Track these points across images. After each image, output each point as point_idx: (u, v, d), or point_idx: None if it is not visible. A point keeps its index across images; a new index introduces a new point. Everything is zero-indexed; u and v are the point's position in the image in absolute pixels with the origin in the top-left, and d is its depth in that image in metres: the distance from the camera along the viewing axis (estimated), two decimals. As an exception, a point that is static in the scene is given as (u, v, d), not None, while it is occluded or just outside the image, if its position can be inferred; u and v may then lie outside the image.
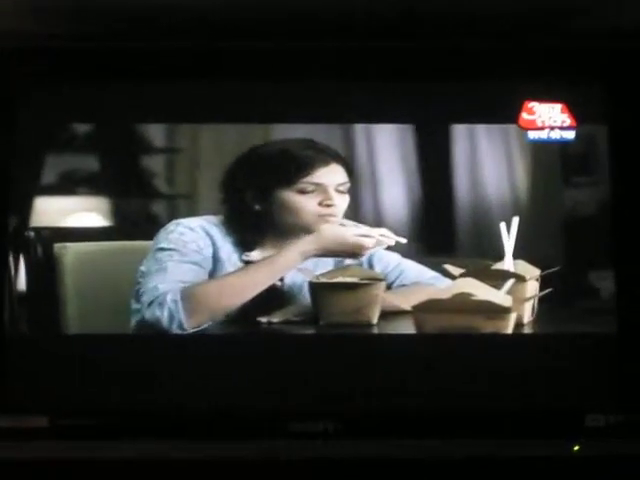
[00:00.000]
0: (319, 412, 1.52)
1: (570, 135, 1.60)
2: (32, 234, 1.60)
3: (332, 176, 1.57)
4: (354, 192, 1.65)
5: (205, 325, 1.52)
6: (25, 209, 1.60)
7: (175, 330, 1.50)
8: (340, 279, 1.53)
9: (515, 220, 1.55)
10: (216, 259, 1.56)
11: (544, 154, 1.65)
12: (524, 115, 1.60)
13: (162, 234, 1.56)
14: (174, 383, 1.53)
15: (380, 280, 1.54)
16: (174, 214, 1.63)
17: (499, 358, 1.53)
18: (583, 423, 1.52)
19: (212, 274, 1.56)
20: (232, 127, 1.62)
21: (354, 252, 1.53)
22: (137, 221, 1.61)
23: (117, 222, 1.63)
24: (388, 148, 1.68)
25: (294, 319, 1.58)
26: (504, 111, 1.61)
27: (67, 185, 1.62)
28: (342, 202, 1.58)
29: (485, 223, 1.63)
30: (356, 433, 1.51)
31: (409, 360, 1.54)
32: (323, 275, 1.55)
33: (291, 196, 1.55)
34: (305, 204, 1.55)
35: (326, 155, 1.57)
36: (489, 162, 1.67)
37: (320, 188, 1.55)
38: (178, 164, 1.66)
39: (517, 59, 1.60)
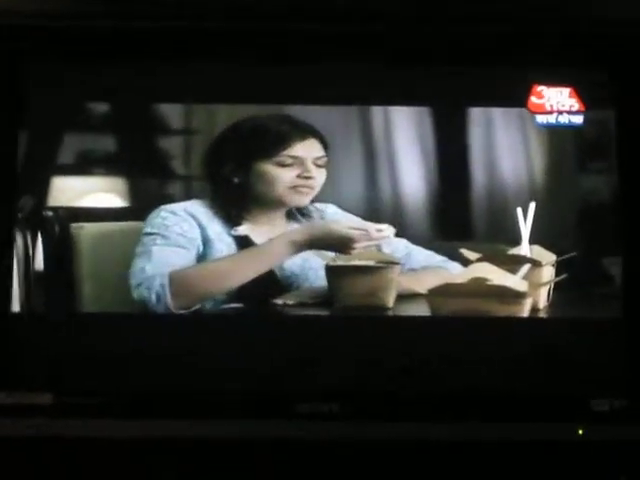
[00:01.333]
0: (326, 393, 1.53)
1: (578, 119, 1.60)
2: (49, 213, 1.60)
3: (309, 150, 1.58)
4: (370, 175, 1.66)
5: (192, 308, 1.53)
6: (42, 189, 1.61)
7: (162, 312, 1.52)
8: (356, 262, 1.53)
9: (532, 205, 1.56)
10: (206, 239, 1.57)
11: (560, 139, 1.64)
12: (533, 99, 1.60)
13: (147, 219, 1.58)
14: (180, 363, 1.54)
15: (396, 264, 1.55)
16: (189, 194, 1.63)
17: (504, 342, 1.54)
18: (588, 407, 1.53)
19: (203, 255, 1.57)
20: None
21: (344, 245, 1.53)
22: (153, 202, 1.60)
23: (133, 202, 1.64)
24: (401, 131, 1.68)
25: (309, 301, 1.58)
26: (513, 95, 1.61)
27: (84, 165, 1.62)
28: (320, 175, 1.59)
29: (501, 208, 1.63)
30: (363, 415, 1.52)
31: (414, 343, 1.54)
32: (339, 258, 1.55)
33: (269, 168, 1.57)
34: (283, 176, 1.57)
35: (303, 130, 1.58)
36: (505, 147, 1.66)
37: (298, 161, 1.57)
38: (194, 145, 1.66)
39: (526, 43, 1.60)
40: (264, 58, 1.60)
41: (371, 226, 1.54)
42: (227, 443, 1.53)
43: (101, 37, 1.59)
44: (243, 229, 1.59)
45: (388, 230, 1.53)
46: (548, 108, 1.60)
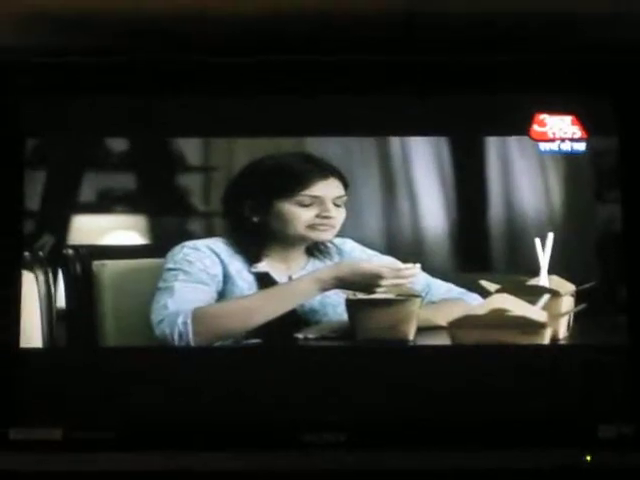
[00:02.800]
0: (331, 423, 1.54)
1: (581, 147, 1.62)
2: (71, 251, 1.61)
3: (330, 189, 1.59)
4: (388, 208, 1.68)
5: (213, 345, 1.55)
6: (63, 227, 1.62)
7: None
8: (377, 295, 1.54)
9: (550, 236, 1.57)
10: (226, 276, 1.58)
11: (576, 168, 1.66)
12: (535, 127, 1.62)
13: (169, 256, 1.58)
14: (188, 396, 1.55)
15: (416, 296, 1.55)
16: (210, 231, 1.65)
17: (511, 369, 1.55)
18: (596, 434, 1.53)
19: (223, 291, 1.58)
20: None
21: (371, 283, 1.53)
22: (173, 239, 1.61)
23: (154, 240, 1.65)
24: (416, 161, 1.70)
25: (331, 335, 1.59)
26: (516, 123, 1.63)
27: (104, 203, 1.63)
28: (339, 214, 1.60)
29: (520, 239, 1.64)
30: (368, 444, 1.53)
31: (423, 372, 1.56)
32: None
33: (289, 208, 1.57)
34: (303, 215, 1.57)
35: (324, 169, 1.59)
36: (521, 177, 1.68)
37: (318, 200, 1.57)
38: (214, 181, 1.67)
39: (528, 72, 1.62)
40: (283, 91, 1.62)
41: (400, 265, 1.55)
42: (238, 475, 1.53)
43: (119, 72, 1.62)
44: (263, 266, 1.60)
45: (416, 268, 1.54)
46: (550, 136, 1.62)
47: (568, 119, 1.62)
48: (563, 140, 1.62)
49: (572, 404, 1.54)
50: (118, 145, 1.65)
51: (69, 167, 1.65)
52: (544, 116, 1.62)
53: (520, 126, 1.63)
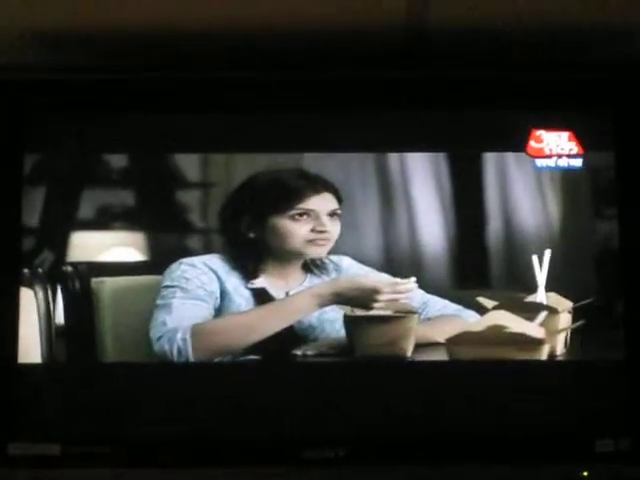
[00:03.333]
0: (330, 438, 1.54)
1: (577, 163, 1.62)
2: (69, 268, 1.62)
3: (323, 203, 1.60)
4: (386, 225, 1.68)
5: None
6: (61, 244, 1.62)
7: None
8: (375, 312, 1.54)
9: (547, 252, 1.57)
10: (223, 292, 1.59)
11: (573, 185, 1.66)
12: (532, 143, 1.62)
13: (166, 273, 1.59)
14: (185, 410, 1.54)
15: (414, 313, 1.56)
16: (207, 248, 1.65)
17: (508, 384, 1.55)
18: (593, 448, 1.53)
19: (220, 308, 1.59)
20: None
21: (370, 299, 1.54)
22: (171, 255, 1.61)
23: (152, 256, 1.65)
24: (414, 177, 1.70)
25: (329, 352, 1.59)
26: (513, 139, 1.63)
27: (102, 220, 1.64)
28: (334, 228, 1.61)
29: (517, 256, 1.65)
30: (367, 459, 1.53)
31: (420, 387, 1.55)
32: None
33: (283, 222, 1.58)
34: (297, 230, 1.58)
35: (317, 184, 1.60)
36: (519, 193, 1.68)
37: (313, 214, 1.58)
38: (211, 198, 1.68)
39: (525, 88, 1.62)
40: (280, 107, 1.62)
41: (397, 280, 1.56)
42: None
43: (119, 90, 1.62)
44: (260, 282, 1.61)
45: (412, 284, 1.54)
46: (547, 152, 1.62)
47: (565, 135, 1.62)
48: (560, 156, 1.62)
49: (569, 419, 1.54)
50: (117, 162, 1.66)
51: (68, 184, 1.65)
52: (541, 132, 1.62)
53: (517, 142, 1.63)
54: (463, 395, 1.55)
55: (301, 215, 1.58)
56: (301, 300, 1.55)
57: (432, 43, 1.60)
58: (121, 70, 1.62)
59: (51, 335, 1.60)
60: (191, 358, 1.52)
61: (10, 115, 1.61)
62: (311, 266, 1.65)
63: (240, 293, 1.59)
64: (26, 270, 1.59)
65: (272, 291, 1.61)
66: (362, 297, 1.54)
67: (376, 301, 1.53)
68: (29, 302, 1.59)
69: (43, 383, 1.56)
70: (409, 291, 1.54)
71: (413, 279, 1.55)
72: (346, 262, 1.66)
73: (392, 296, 1.54)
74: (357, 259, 1.66)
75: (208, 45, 1.57)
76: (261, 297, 1.60)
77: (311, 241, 1.59)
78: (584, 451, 1.53)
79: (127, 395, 1.55)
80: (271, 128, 1.63)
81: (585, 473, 1.52)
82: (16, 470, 1.52)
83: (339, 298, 1.55)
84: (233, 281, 1.60)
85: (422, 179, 1.69)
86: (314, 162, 1.63)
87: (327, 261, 1.65)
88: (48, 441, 1.53)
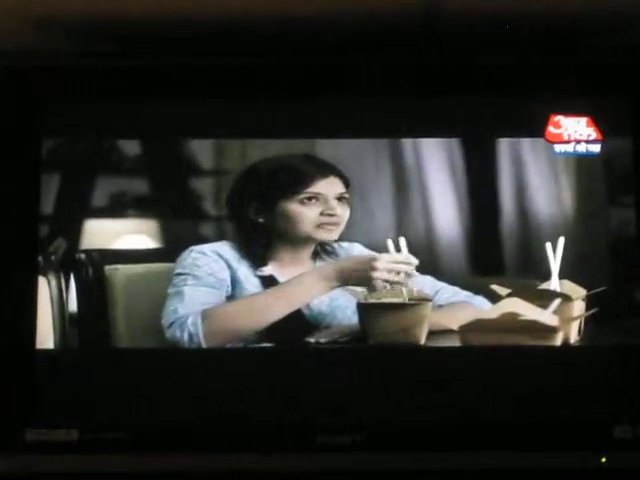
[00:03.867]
0: (345, 425, 1.53)
1: (596, 148, 1.61)
2: (83, 256, 1.63)
3: (331, 187, 1.60)
4: (402, 210, 1.68)
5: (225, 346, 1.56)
6: (75, 231, 1.64)
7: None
8: (388, 299, 1.54)
9: (561, 240, 1.56)
10: (234, 280, 1.59)
11: (589, 171, 1.65)
12: (551, 129, 1.61)
13: (178, 261, 1.59)
14: (201, 396, 1.55)
15: (428, 300, 1.56)
16: (219, 235, 1.65)
17: (527, 371, 1.54)
18: (611, 435, 1.52)
19: (232, 296, 1.59)
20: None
21: (369, 269, 1.53)
22: (184, 243, 1.62)
23: (165, 244, 1.66)
24: (429, 163, 1.69)
25: (342, 339, 1.59)
26: (531, 125, 1.62)
27: (116, 207, 1.64)
28: (344, 212, 1.61)
29: (531, 243, 1.64)
30: (384, 446, 1.53)
31: (438, 373, 1.55)
32: (371, 295, 1.56)
33: (293, 207, 1.58)
34: (307, 214, 1.58)
35: (323, 168, 1.60)
36: (534, 180, 1.67)
37: (321, 198, 1.59)
38: (222, 185, 1.68)
39: (543, 73, 1.61)
40: (294, 93, 1.61)
41: (397, 256, 1.55)
42: (252, 476, 1.53)
43: (128, 75, 1.62)
44: (268, 269, 1.61)
45: (412, 258, 1.54)
46: (566, 138, 1.60)
47: (584, 121, 1.61)
48: (578, 142, 1.61)
49: (587, 406, 1.53)
50: (131, 148, 1.66)
51: (83, 171, 1.66)
52: (559, 117, 1.61)
53: (535, 128, 1.62)
54: (478, 382, 1.54)
55: (310, 199, 1.58)
56: (308, 280, 1.55)
57: (448, 28, 1.58)
58: (138, 56, 1.62)
59: (65, 322, 1.61)
60: (203, 344, 1.52)
61: (26, 102, 1.60)
62: (321, 253, 1.65)
63: (250, 281, 1.60)
64: (40, 257, 1.60)
65: (280, 278, 1.61)
66: (362, 270, 1.54)
67: (375, 270, 1.52)
68: (43, 289, 1.60)
69: (60, 369, 1.57)
70: (409, 265, 1.54)
71: (413, 258, 1.54)
72: (357, 249, 1.66)
73: (391, 266, 1.53)
74: (369, 247, 1.65)
75: (224, 31, 1.57)
76: (269, 285, 1.60)
77: (320, 225, 1.59)
78: (602, 438, 1.52)
79: (144, 381, 1.55)
80: (284, 114, 1.62)
81: (603, 459, 1.51)
82: (34, 456, 1.53)
83: (342, 275, 1.55)
84: (243, 269, 1.60)
85: (436, 165, 1.68)
86: (325, 148, 1.62)
87: (337, 247, 1.65)
88: (66, 427, 1.54)
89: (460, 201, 1.68)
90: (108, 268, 1.63)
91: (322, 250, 1.65)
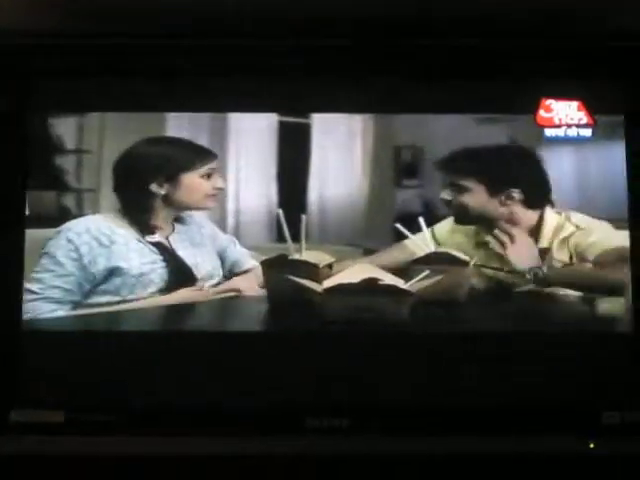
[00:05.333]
0: (334, 407, 1.54)
1: (587, 133, 1.62)
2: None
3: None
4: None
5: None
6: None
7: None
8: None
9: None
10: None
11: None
12: (541, 112, 1.62)
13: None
14: (189, 379, 1.55)
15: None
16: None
17: (516, 356, 1.55)
18: (600, 420, 1.54)
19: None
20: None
21: None
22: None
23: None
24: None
25: None
26: (522, 108, 1.63)
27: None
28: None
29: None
30: (372, 429, 1.53)
31: (426, 357, 1.56)
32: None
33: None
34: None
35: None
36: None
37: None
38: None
39: (534, 57, 1.62)
40: (293, 74, 1.64)
41: None
42: (241, 459, 1.54)
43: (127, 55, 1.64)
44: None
45: None
46: (557, 122, 1.62)
47: (574, 105, 1.62)
48: (569, 126, 1.62)
49: (576, 391, 1.55)
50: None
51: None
52: (550, 101, 1.62)
53: (526, 111, 1.63)
54: (468, 365, 1.55)
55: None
56: None
57: (441, 11, 1.57)
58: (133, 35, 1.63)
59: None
60: None
61: (15, 79, 1.61)
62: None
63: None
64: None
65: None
66: None
67: None
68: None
69: (44, 350, 1.56)
70: None
71: None
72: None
73: None
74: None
75: (225, 12, 1.56)
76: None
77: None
78: (591, 423, 1.54)
79: (131, 363, 1.56)
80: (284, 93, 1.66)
81: (592, 445, 1.53)
82: (19, 437, 1.53)
83: None
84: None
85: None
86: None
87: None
88: (51, 408, 1.53)
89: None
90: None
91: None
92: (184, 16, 1.57)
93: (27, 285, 1.59)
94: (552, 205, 1.67)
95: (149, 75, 1.64)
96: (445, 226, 1.68)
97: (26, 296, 1.58)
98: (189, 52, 1.63)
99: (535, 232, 1.68)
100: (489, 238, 1.68)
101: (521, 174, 1.67)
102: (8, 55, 1.61)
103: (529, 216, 1.68)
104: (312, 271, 1.60)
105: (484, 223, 1.69)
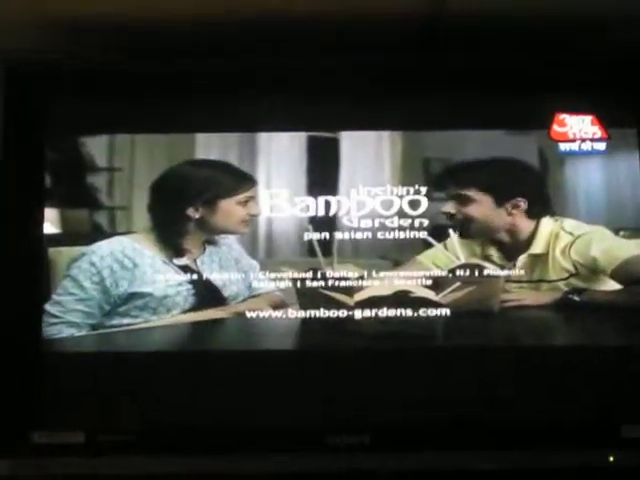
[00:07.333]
0: (356, 425, 1.54)
1: (601, 147, 1.62)
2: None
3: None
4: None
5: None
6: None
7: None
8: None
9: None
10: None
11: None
12: (555, 127, 1.62)
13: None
14: (209, 398, 1.55)
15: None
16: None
17: (534, 370, 1.55)
18: (619, 434, 1.53)
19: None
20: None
21: None
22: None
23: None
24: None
25: None
26: (536, 123, 1.63)
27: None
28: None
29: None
30: (392, 446, 1.53)
31: (445, 374, 1.56)
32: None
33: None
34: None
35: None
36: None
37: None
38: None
39: (547, 71, 1.62)
40: (303, 92, 1.64)
41: None
42: (261, 478, 1.54)
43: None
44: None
45: None
46: (571, 136, 1.62)
47: (588, 119, 1.62)
48: (583, 140, 1.62)
49: (594, 405, 1.54)
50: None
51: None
52: (564, 116, 1.62)
53: (540, 126, 1.64)
54: (488, 381, 1.55)
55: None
56: None
57: (452, 26, 1.59)
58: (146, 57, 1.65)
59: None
60: None
61: (32, 103, 1.62)
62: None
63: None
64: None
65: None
66: None
67: None
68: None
69: (65, 372, 1.57)
70: None
71: None
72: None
73: None
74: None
75: (226, 30, 1.59)
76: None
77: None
78: (610, 437, 1.53)
79: (150, 383, 1.56)
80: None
81: (611, 459, 1.52)
82: (40, 459, 1.53)
83: None
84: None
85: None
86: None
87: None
88: (72, 429, 1.53)
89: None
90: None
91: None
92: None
93: (48, 307, 1.59)
94: (550, 214, 1.67)
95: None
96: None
97: (46, 318, 1.58)
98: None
99: (529, 240, 1.68)
100: (492, 251, 1.68)
101: (524, 183, 1.68)
102: (34, 78, 1.62)
103: (528, 225, 1.68)
104: (344, 284, 1.61)
105: (487, 236, 1.69)
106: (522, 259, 1.65)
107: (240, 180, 1.67)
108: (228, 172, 1.68)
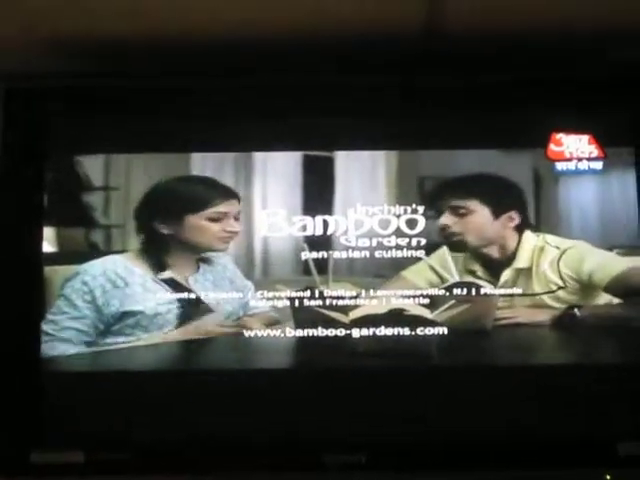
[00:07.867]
0: (354, 444, 1.54)
1: (598, 166, 1.62)
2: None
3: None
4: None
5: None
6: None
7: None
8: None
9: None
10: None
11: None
12: (552, 146, 1.62)
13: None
14: (207, 416, 1.55)
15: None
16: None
17: (531, 388, 1.55)
18: (616, 452, 1.53)
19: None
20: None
21: None
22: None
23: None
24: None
25: None
26: (533, 142, 1.63)
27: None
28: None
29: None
30: (389, 465, 1.53)
31: (440, 393, 1.56)
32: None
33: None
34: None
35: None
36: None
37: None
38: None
39: (544, 91, 1.62)
40: (301, 111, 1.64)
41: None
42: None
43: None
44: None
45: None
46: (567, 155, 1.62)
47: (585, 138, 1.62)
48: (580, 159, 1.62)
49: (591, 422, 1.54)
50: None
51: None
52: (561, 135, 1.62)
53: (536, 145, 1.64)
54: (483, 400, 1.55)
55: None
56: None
57: (449, 45, 1.59)
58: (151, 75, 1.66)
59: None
60: None
61: (30, 123, 1.63)
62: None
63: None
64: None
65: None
66: None
67: None
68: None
69: (64, 391, 1.57)
70: None
71: None
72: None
73: None
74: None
75: (224, 50, 1.58)
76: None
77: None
78: (607, 454, 1.53)
79: (148, 402, 1.56)
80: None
81: (608, 477, 1.52)
82: (39, 479, 1.53)
83: None
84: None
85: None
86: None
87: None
88: (71, 449, 1.54)
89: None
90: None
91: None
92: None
93: (43, 326, 1.60)
94: (532, 228, 1.67)
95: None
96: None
97: (42, 337, 1.59)
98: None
99: (513, 254, 1.67)
100: (477, 267, 1.68)
101: (518, 197, 1.67)
102: (33, 98, 1.63)
103: (514, 239, 1.68)
104: (339, 303, 1.61)
105: (477, 250, 1.69)
106: (507, 273, 1.65)
107: (213, 195, 1.67)
108: (203, 187, 1.68)
